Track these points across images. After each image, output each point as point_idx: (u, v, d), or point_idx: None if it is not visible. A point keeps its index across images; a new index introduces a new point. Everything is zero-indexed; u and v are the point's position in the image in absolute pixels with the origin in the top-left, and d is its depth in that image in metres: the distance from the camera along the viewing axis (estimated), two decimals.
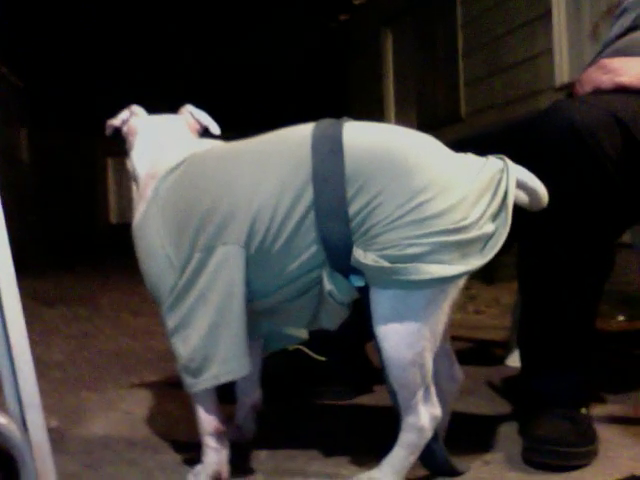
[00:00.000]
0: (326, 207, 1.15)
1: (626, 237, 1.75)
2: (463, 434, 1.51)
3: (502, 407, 1.71)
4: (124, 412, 1.76)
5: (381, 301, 1.14)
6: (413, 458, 1.17)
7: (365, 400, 1.80)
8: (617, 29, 1.75)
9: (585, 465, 1.31)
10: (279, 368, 1.55)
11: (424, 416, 1.16)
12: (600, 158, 1.33)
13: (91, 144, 14.41)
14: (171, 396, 1.89)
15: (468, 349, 2.52)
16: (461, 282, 1.19)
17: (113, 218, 15.33)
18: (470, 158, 1.20)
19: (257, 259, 1.20)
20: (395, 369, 1.15)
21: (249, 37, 13.81)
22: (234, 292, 1.20)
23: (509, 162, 1.19)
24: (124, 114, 1.49)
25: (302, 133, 1.23)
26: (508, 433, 1.51)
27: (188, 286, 1.22)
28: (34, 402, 1.04)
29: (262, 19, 13.71)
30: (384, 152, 1.16)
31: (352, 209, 1.14)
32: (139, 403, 1.84)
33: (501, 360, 2.18)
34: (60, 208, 13.22)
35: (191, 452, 1.43)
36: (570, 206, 1.36)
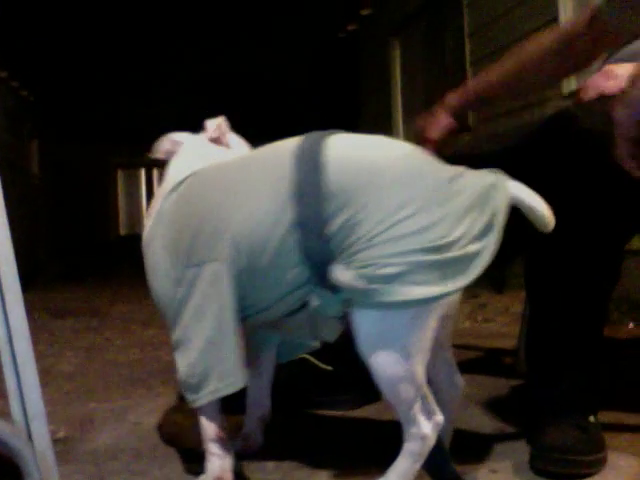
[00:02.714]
0: (307, 225, 1.14)
1: (636, 244, 1.74)
2: (471, 442, 1.50)
3: (510, 415, 1.70)
4: (132, 423, 1.76)
5: (362, 321, 1.13)
6: (417, 466, 1.17)
7: (371, 409, 1.80)
8: None
9: (594, 473, 1.30)
10: (285, 377, 1.55)
11: (425, 425, 1.15)
12: (605, 164, 1.32)
13: (101, 156, 14.49)
14: (179, 407, 1.89)
15: (477, 357, 2.51)
16: (453, 297, 1.16)
17: (123, 229, 15.40)
18: (459, 172, 1.16)
19: (247, 276, 1.22)
20: (385, 387, 1.14)
21: (256, 48, 13.87)
22: (226, 307, 1.22)
23: (503, 177, 1.15)
24: (166, 145, 1.49)
25: (285, 150, 1.23)
26: (516, 441, 1.49)
27: (183, 302, 1.26)
28: (39, 412, 1.05)
29: (270, 30, 13.77)
30: (366, 167, 1.15)
31: (333, 226, 1.13)
32: (147, 414, 1.84)
33: (510, 368, 2.17)
34: (70, 220, 13.28)
35: (198, 463, 1.43)
36: (576, 213, 1.35)
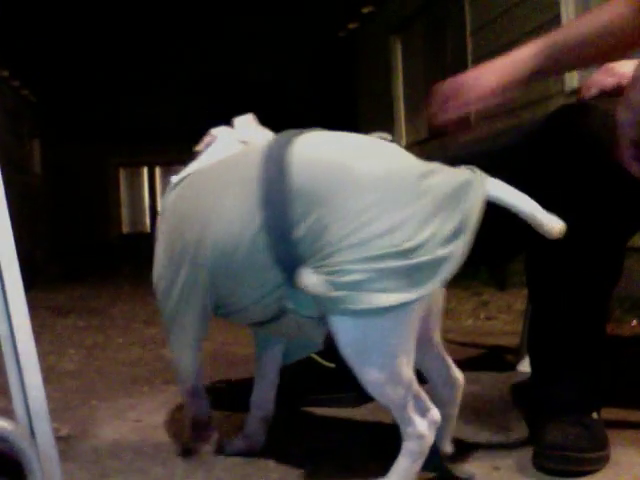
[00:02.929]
0: (274, 228, 1.14)
1: (638, 241, 1.74)
2: (473, 440, 1.50)
3: (513, 413, 1.70)
4: (134, 421, 1.76)
5: (337, 327, 1.10)
6: (418, 465, 1.16)
7: (374, 407, 1.79)
8: None
9: (597, 471, 1.30)
10: (288, 375, 1.54)
11: (420, 424, 1.13)
12: (606, 161, 1.32)
13: (103, 155, 14.51)
14: (181, 405, 1.89)
15: (480, 355, 2.51)
16: (435, 295, 1.15)
17: (125, 228, 15.41)
18: (430, 169, 1.12)
19: (224, 276, 1.25)
20: (373, 392, 1.13)
21: (257, 47, 13.87)
22: (196, 311, 1.31)
23: (480, 175, 1.11)
24: (206, 139, 1.49)
25: (256, 151, 1.23)
26: (519, 439, 1.49)
27: (169, 299, 1.34)
28: (42, 410, 1.05)
29: (270, 29, 13.77)
30: (333, 168, 1.12)
31: (301, 229, 1.12)
32: (149, 412, 1.84)
33: (513, 366, 2.17)
34: (72, 219, 13.31)
35: (201, 461, 1.43)
36: (578, 211, 1.35)
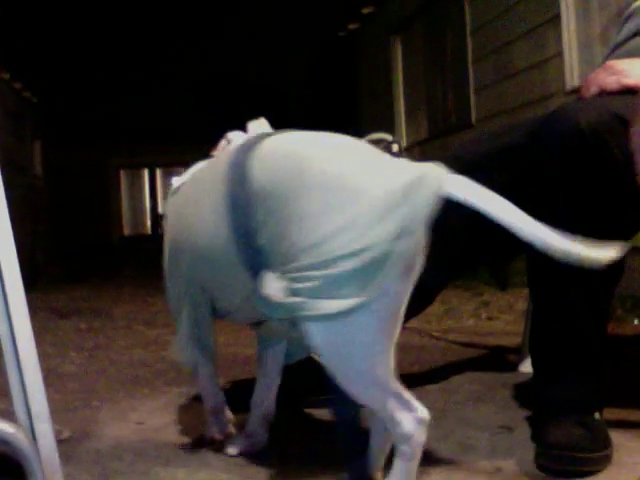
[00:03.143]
0: (241, 234, 1.16)
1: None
2: (475, 440, 1.50)
3: (515, 413, 1.70)
4: (135, 423, 1.76)
5: (307, 331, 1.09)
6: (414, 464, 1.14)
7: None
8: (624, 33, 1.74)
9: (599, 471, 1.30)
10: (289, 375, 1.54)
11: (407, 422, 1.10)
12: (606, 160, 1.32)
13: (104, 157, 14.52)
14: (183, 407, 1.89)
15: (481, 355, 2.50)
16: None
17: (126, 230, 15.41)
18: (385, 167, 1.09)
19: (211, 282, 1.32)
20: (351, 393, 1.12)
21: (257, 47, 13.87)
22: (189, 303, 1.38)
23: (436, 172, 1.07)
24: (222, 143, 1.50)
25: (225, 155, 1.28)
26: (521, 439, 1.49)
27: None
28: (43, 412, 1.05)
29: (270, 30, 13.76)
30: (289, 172, 1.12)
31: (263, 235, 1.13)
32: (151, 414, 1.84)
33: (514, 366, 2.17)
34: (73, 220, 13.31)
35: (203, 462, 1.43)
36: (577, 209, 1.35)
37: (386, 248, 1.02)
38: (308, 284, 1.03)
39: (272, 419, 1.48)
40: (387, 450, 1.20)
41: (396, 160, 1.13)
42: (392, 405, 1.11)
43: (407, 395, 1.12)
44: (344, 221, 1.03)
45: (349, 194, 1.05)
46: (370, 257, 1.01)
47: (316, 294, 1.03)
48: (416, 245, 1.06)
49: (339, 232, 1.03)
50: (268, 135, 1.24)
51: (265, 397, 1.47)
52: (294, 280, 1.05)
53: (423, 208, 1.04)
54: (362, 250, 1.01)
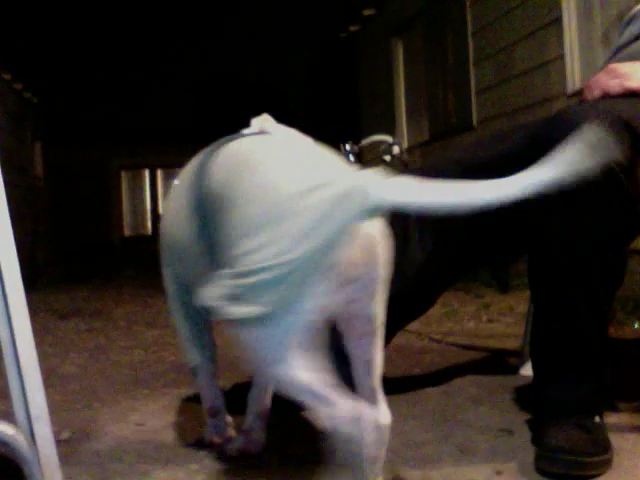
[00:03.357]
0: (203, 237, 1.23)
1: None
2: (475, 443, 1.50)
3: (515, 416, 1.69)
4: (136, 424, 1.76)
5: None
6: (372, 452, 1.10)
7: None
8: (626, 36, 1.74)
9: (599, 475, 1.29)
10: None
11: (344, 425, 1.07)
12: (609, 163, 1.31)
13: (105, 157, 14.52)
14: (183, 408, 1.89)
15: (481, 358, 2.50)
16: (336, 300, 1.10)
17: (127, 231, 15.41)
18: (323, 178, 1.07)
19: (189, 283, 1.37)
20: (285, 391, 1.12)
21: (257, 48, 13.87)
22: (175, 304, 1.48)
23: (369, 184, 1.03)
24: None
25: (196, 158, 1.34)
26: (521, 442, 1.49)
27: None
28: (42, 414, 1.04)
29: (271, 31, 13.77)
30: (232, 181, 1.15)
31: (214, 240, 1.18)
32: (151, 415, 1.84)
33: (515, 369, 2.17)
34: (74, 221, 13.32)
35: (202, 464, 1.43)
36: (579, 213, 1.35)
37: (307, 263, 1.02)
38: (231, 291, 1.07)
39: (268, 415, 1.47)
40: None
41: (333, 170, 1.12)
42: (325, 412, 1.08)
43: (332, 397, 1.08)
44: (271, 235, 1.04)
45: (280, 209, 1.06)
46: (287, 270, 1.02)
47: (235, 301, 1.06)
48: (349, 259, 1.05)
49: (265, 246, 1.04)
50: (232, 139, 1.28)
51: (261, 394, 1.47)
52: (224, 285, 1.08)
53: (349, 222, 1.03)
54: (282, 264, 1.02)
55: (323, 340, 1.11)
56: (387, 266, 1.11)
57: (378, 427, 1.10)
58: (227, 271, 1.08)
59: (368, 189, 1.03)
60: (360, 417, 1.08)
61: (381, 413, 1.12)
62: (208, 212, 1.20)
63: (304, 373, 1.09)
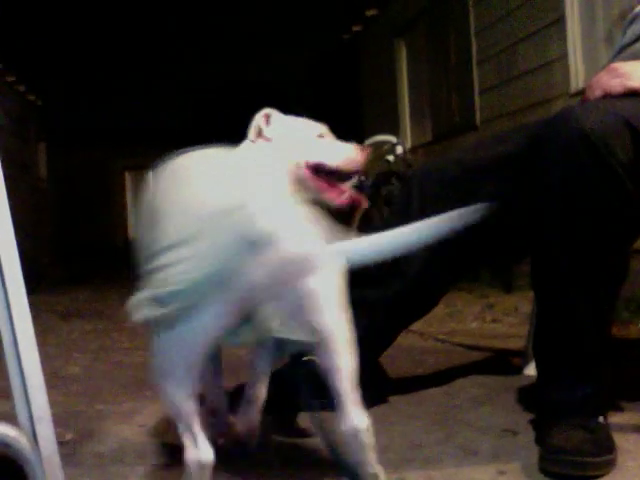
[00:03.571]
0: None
1: None
2: (479, 443, 1.50)
3: (519, 416, 1.69)
4: (138, 425, 1.76)
5: None
6: None
7: (378, 410, 1.79)
8: (629, 36, 1.74)
9: (602, 475, 1.29)
10: (289, 379, 1.54)
11: (191, 451, 1.13)
12: (611, 163, 1.31)
13: (108, 158, 14.53)
14: None
15: (485, 358, 2.50)
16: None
17: (131, 232, 15.42)
18: (237, 205, 1.09)
19: None
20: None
21: (259, 49, 13.88)
22: None
23: (255, 205, 1.08)
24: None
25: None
26: (524, 442, 1.48)
27: None
28: (45, 415, 1.04)
29: (273, 31, 13.77)
30: (164, 194, 1.23)
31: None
32: (153, 416, 1.83)
33: (519, 369, 2.16)
34: (78, 222, 13.33)
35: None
36: (582, 213, 1.34)
37: (206, 285, 1.08)
38: (150, 296, 1.14)
39: (262, 404, 1.47)
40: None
41: (250, 192, 1.13)
42: (186, 434, 1.14)
43: (197, 431, 1.13)
44: (185, 254, 1.09)
45: (194, 229, 1.10)
46: (191, 290, 1.08)
47: (150, 306, 1.14)
48: (256, 282, 1.09)
49: (178, 263, 1.10)
50: (186, 151, 1.31)
51: (256, 383, 1.47)
52: (146, 290, 1.16)
53: (251, 250, 1.07)
54: (186, 282, 1.08)
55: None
56: (328, 280, 1.14)
57: (356, 433, 1.15)
58: (154, 279, 1.15)
59: (257, 220, 1.07)
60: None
61: (356, 418, 1.16)
62: (149, 222, 1.24)
63: (184, 401, 1.15)
